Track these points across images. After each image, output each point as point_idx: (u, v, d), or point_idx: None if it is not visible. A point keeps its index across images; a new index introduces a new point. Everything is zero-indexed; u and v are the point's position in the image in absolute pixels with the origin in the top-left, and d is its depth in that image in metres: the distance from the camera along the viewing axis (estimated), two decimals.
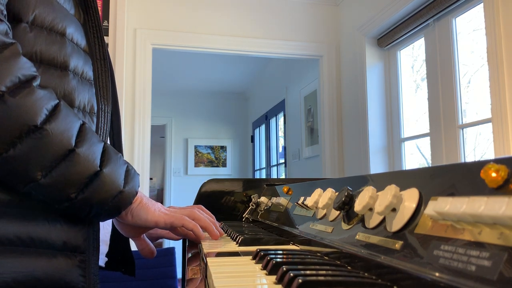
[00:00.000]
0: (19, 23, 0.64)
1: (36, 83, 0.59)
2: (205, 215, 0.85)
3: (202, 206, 0.93)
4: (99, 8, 2.39)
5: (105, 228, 0.88)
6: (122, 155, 0.79)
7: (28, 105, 0.56)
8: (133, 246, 0.88)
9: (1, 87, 0.54)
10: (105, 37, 2.53)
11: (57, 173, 0.60)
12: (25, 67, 0.58)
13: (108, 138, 0.78)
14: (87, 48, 0.76)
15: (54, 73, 0.67)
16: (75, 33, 0.73)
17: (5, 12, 0.60)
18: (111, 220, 0.84)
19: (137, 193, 0.72)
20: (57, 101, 0.61)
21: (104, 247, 0.87)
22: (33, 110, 0.57)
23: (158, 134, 6.65)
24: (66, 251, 0.65)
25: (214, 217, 0.92)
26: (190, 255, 0.91)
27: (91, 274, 0.67)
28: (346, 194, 0.55)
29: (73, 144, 0.61)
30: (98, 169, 0.64)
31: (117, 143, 0.89)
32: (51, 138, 0.58)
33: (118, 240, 0.87)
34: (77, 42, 0.73)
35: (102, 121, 0.75)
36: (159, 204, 0.80)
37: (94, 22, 0.78)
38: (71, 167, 0.61)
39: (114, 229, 0.86)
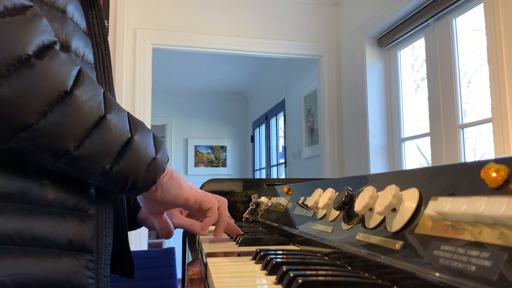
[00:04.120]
0: None
1: (57, 47, 0.54)
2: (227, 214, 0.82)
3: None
4: None
5: None
6: None
7: (55, 69, 0.52)
8: (132, 246, 0.87)
9: (28, 50, 0.49)
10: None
11: (90, 143, 0.55)
12: (47, 31, 0.53)
13: None
14: (86, 30, 0.71)
15: None
16: (75, 12, 0.68)
17: None
18: None
19: (168, 159, 0.68)
20: (79, 66, 0.57)
21: None
22: (61, 74, 0.52)
23: (158, 134, 6.59)
24: (72, 250, 0.59)
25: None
26: (190, 255, 0.91)
27: (101, 276, 0.62)
28: (346, 194, 0.55)
29: (103, 110, 0.57)
30: (130, 135, 0.60)
31: None
32: (81, 104, 0.54)
33: (116, 240, 0.82)
34: (77, 22, 0.68)
35: None
36: (189, 181, 0.76)
37: (94, 3, 0.74)
38: (103, 136, 0.56)
39: None
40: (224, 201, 0.82)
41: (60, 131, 0.53)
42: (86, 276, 0.60)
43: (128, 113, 0.63)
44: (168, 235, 0.84)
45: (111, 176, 0.59)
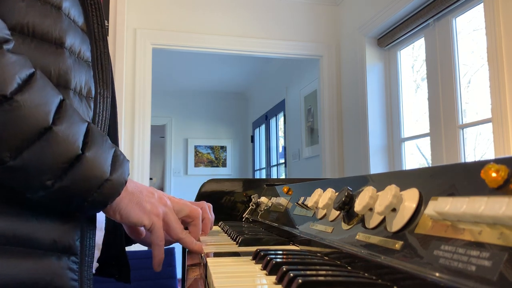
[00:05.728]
0: None
1: (7, 46, 0.51)
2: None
3: (210, 205, 0.87)
4: None
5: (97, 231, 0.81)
6: (118, 145, 0.73)
7: None
8: (132, 247, 0.85)
9: None
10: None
11: (29, 154, 0.51)
12: None
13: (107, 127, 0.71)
14: (84, 26, 0.69)
15: (48, 49, 0.60)
16: (72, 9, 0.66)
17: None
18: (103, 222, 0.76)
19: (126, 182, 0.61)
20: (33, 69, 0.52)
21: (96, 252, 0.74)
22: (2, 77, 0.48)
23: (158, 134, 6.66)
24: (56, 251, 0.57)
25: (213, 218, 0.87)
26: (190, 255, 0.91)
27: (84, 278, 0.60)
28: (346, 194, 0.55)
29: (51, 121, 0.52)
30: (80, 152, 0.54)
31: (112, 132, 0.77)
32: (23, 112, 0.49)
33: (112, 244, 0.80)
34: (74, 19, 0.66)
35: (101, 107, 0.68)
36: (159, 193, 0.70)
37: (93, 0, 0.71)
38: (46, 148, 0.51)
39: (107, 232, 0.79)
40: (198, 207, 0.76)
41: None
42: (69, 279, 0.58)
43: (90, 126, 0.58)
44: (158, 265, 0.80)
45: (53, 193, 0.54)
